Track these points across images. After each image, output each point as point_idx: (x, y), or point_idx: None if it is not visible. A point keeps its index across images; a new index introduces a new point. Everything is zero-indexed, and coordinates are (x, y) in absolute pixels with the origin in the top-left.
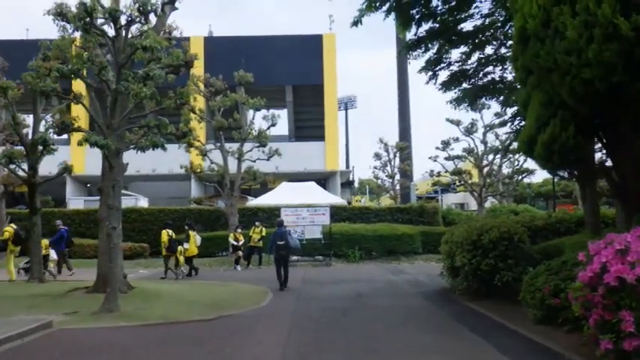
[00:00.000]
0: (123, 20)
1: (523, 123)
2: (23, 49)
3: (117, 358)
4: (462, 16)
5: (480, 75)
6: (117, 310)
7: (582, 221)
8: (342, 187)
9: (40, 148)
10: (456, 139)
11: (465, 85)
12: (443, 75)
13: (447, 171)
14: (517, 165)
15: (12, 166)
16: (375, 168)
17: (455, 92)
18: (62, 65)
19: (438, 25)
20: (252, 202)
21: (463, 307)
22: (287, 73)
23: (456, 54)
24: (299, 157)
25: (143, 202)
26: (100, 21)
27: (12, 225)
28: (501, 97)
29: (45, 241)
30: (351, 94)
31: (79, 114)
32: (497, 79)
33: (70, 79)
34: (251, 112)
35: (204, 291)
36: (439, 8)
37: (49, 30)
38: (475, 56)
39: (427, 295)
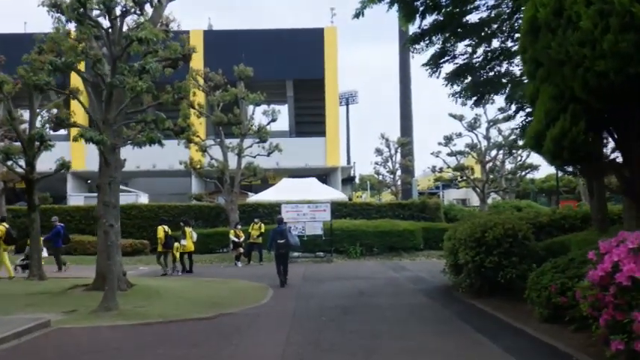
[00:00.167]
0: (117, 11)
1: (529, 119)
2: (21, 43)
3: (112, 358)
4: (467, 7)
5: (486, 69)
6: (115, 308)
7: (587, 218)
8: (343, 183)
9: (37, 143)
10: (459, 135)
11: (470, 78)
12: (447, 68)
13: (449, 167)
14: (520, 161)
15: (9, 163)
16: (377, 164)
17: (459, 85)
18: (55, 58)
19: (442, 18)
20: (253, 198)
21: (466, 305)
22: (288, 68)
23: (460, 47)
24: (300, 153)
25: (143, 199)
26: (95, 12)
27: (4, 224)
28: (506, 91)
29: None
30: (352, 89)
31: (79, 109)
32: (503, 72)
33: (65, 73)
34: (251, 107)
35: (204, 288)
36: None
37: (46, 23)
38: (481, 50)
39: (429, 292)
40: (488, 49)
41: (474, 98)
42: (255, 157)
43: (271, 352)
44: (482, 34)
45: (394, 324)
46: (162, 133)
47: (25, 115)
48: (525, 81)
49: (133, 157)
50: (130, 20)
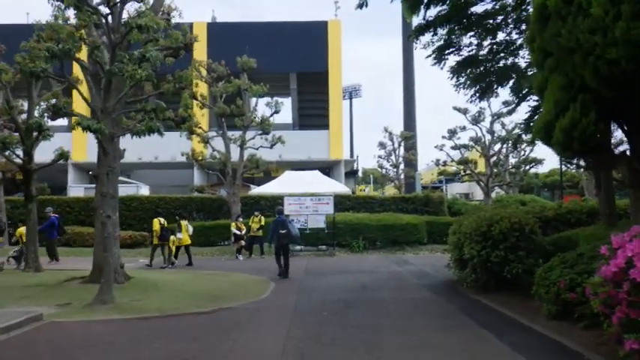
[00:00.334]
0: None
1: (534, 111)
2: (23, 33)
3: (104, 354)
4: None
5: (492, 62)
6: (111, 301)
7: (593, 212)
8: (346, 177)
9: (36, 133)
10: (463, 128)
11: (475, 71)
12: (452, 60)
13: (452, 160)
14: (524, 155)
15: (7, 153)
16: (380, 157)
17: (463, 78)
18: (53, 45)
19: (447, 9)
20: (255, 190)
21: (471, 301)
22: (291, 61)
23: (465, 39)
24: (303, 146)
25: (144, 190)
26: (95, 0)
27: None
28: (510, 83)
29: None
30: (355, 82)
31: (81, 100)
32: (509, 64)
33: (62, 60)
34: (254, 99)
35: (204, 282)
36: None
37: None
38: (486, 42)
39: (433, 287)
40: (493, 41)
41: (478, 91)
42: (257, 149)
43: (271, 347)
44: (488, 26)
45: (397, 318)
46: (164, 123)
47: (25, 105)
48: (530, 73)
49: (135, 149)
50: (131, 8)
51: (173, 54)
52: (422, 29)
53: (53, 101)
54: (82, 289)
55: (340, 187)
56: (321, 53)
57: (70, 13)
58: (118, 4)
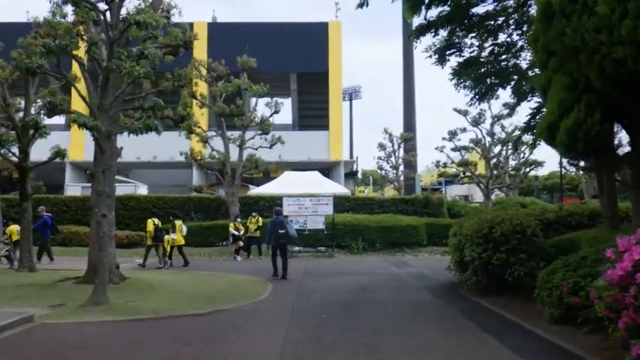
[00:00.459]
0: None
1: (535, 112)
2: (22, 31)
3: (97, 356)
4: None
5: (493, 63)
6: (105, 302)
7: (595, 215)
8: (345, 178)
9: (32, 131)
10: (463, 130)
11: (476, 71)
12: (453, 61)
13: (452, 162)
14: (524, 157)
15: (3, 150)
16: (379, 159)
17: (465, 80)
18: (49, 40)
19: (448, 9)
20: (254, 190)
21: (472, 304)
22: (291, 61)
23: (467, 40)
24: (302, 146)
25: (142, 190)
26: None
27: None
28: (512, 84)
29: (16, 227)
30: (355, 84)
31: (79, 97)
32: (511, 65)
33: (59, 56)
34: (254, 99)
35: (201, 282)
36: None
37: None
38: (488, 43)
39: (433, 289)
40: (495, 42)
41: (478, 93)
42: (257, 149)
43: (269, 350)
44: (489, 27)
45: (397, 321)
46: (162, 122)
47: (22, 103)
48: (532, 74)
49: (134, 149)
50: (130, 6)
51: (172, 52)
52: (422, 29)
53: (49, 98)
54: (76, 290)
55: (340, 188)
56: (321, 54)
57: (69, 9)
58: (117, 0)
